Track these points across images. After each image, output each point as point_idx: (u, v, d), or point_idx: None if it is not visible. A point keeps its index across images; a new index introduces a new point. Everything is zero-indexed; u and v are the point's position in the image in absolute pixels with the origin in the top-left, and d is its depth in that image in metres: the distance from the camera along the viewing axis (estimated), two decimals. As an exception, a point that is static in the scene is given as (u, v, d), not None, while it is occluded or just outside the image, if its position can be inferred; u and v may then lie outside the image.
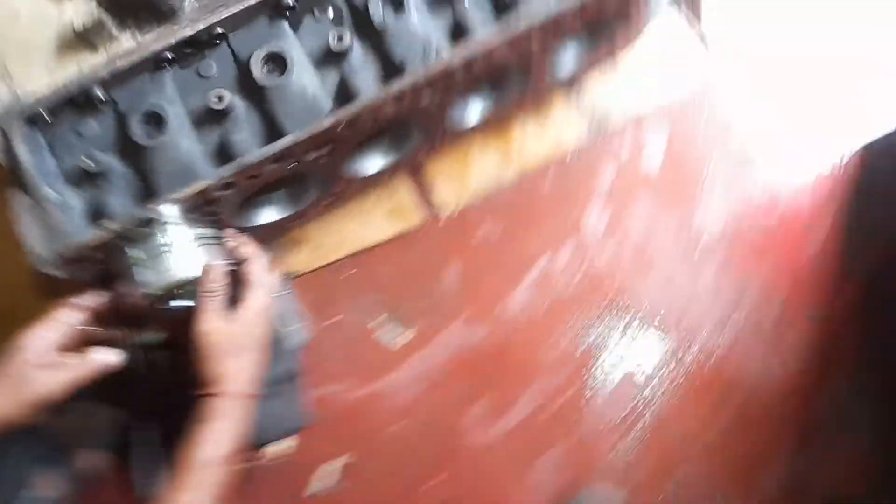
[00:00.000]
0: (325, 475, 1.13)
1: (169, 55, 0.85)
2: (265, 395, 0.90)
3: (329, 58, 0.87)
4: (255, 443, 1.02)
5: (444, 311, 1.19)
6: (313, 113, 0.84)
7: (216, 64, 0.87)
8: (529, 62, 0.92)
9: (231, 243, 0.90)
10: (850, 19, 1.29)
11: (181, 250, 0.85)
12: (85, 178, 0.84)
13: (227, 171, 0.81)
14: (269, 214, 0.99)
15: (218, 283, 0.85)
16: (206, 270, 0.86)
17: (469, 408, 1.16)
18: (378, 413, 1.16)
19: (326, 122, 0.82)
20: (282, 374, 1.05)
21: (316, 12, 0.88)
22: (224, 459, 0.81)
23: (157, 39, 0.85)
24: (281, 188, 0.97)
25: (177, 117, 0.84)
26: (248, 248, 0.89)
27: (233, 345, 0.83)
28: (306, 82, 0.85)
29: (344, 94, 0.86)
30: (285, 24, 0.87)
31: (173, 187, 0.82)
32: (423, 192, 1.24)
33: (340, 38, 0.85)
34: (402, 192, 1.23)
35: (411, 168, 1.18)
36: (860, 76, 1.28)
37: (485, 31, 0.84)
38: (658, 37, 1.10)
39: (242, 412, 0.84)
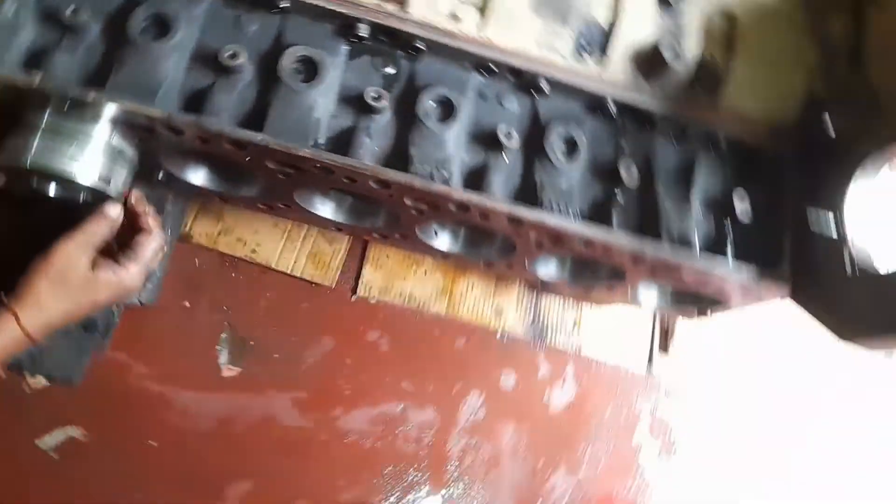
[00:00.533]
0: (55, 437, 1.00)
1: (223, -14, 0.79)
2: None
3: (356, 104, 0.81)
4: (14, 362, 0.90)
5: (284, 375, 1.10)
6: (301, 134, 0.77)
7: (258, 27, 0.81)
8: (517, 246, 0.87)
9: (140, 207, 0.82)
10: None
11: (93, 151, 0.76)
12: (53, 22, 0.75)
13: (183, 119, 0.73)
14: (199, 178, 0.90)
15: (117, 222, 0.80)
16: (123, 203, 0.80)
17: (237, 481, 1.04)
18: (153, 418, 1.04)
19: (303, 152, 0.75)
20: (92, 321, 0.94)
21: (378, 61, 0.83)
22: None
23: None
24: (228, 167, 0.88)
25: (183, 40, 0.77)
26: (153, 223, 0.83)
27: (72, 288, 0.77)
28: (319, 105, 0.79)
29: (342, 142, 0.80)
30: (343, 47, 0.82)
31: (127, 95, 0.73)
32: (355, 261, 1.17)
33: (378, 98, 0.79)
34: (336, 247, 1.16)
35: (358, 233, 1.11)
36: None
37: (497, 196, 0.79)
38: (634, 308, 1.07)
39: (15, 348, 0.75)
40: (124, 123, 0.76)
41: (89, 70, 0.75)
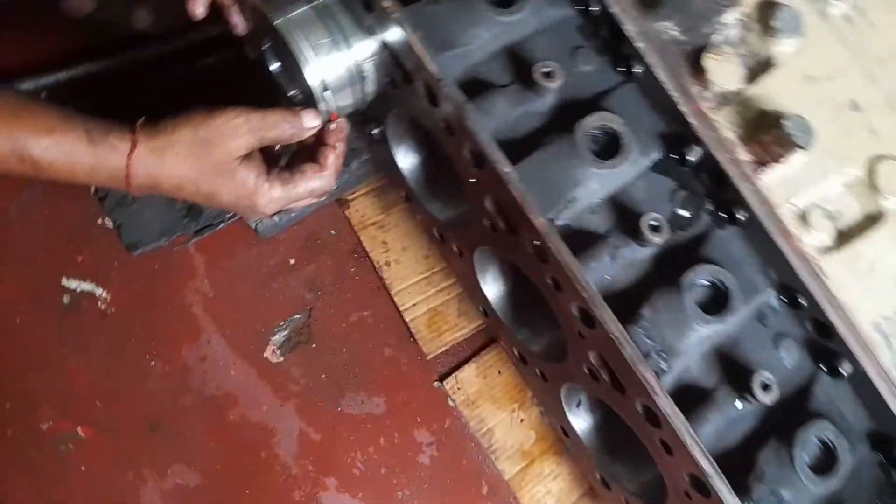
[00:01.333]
0: (81, 285, 0.87)
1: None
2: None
3: (625, 217, 0.62)
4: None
5: (314, 402, 0.91)
6: (547, 200, 0.60)
7: (590, 70, 0.65)
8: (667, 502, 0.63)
9: (337, 140, 0.66)
10: None
11: (340, 57, 0.62)
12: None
13: (452, 93, 0.58)
14: (407, 162, 0.75)
15: (303, 135, 0.64)
16: (329, 125, 0.65)
17: (187, 468, 0.85)
18: (172, 339, 0.88)
19: (536, 220, 0.57)
20: (199, 210, 0.80)
21: (680, 195, 0.64)
22: (42, 172, 0.58)
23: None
24: (442, 172, 0.73)
25: (513, 25, 0.63)
26: (334, 164, 0.67)
27: (206, 162, 0.61)
28: (586, 187, 0.61)
29: (580, 241, 0.61)
30: (655, 153, 0.64)
31: (420, 31, 0.59)
32: (466, 351, 0.97)
33: (656, 230, 0.60)
34: (462, 323, 0.96)
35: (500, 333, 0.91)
36: None
37: (701, 439, 0.56)
38: None
39: (107, 180, 0.61)
40: (391, 55, 0.62)
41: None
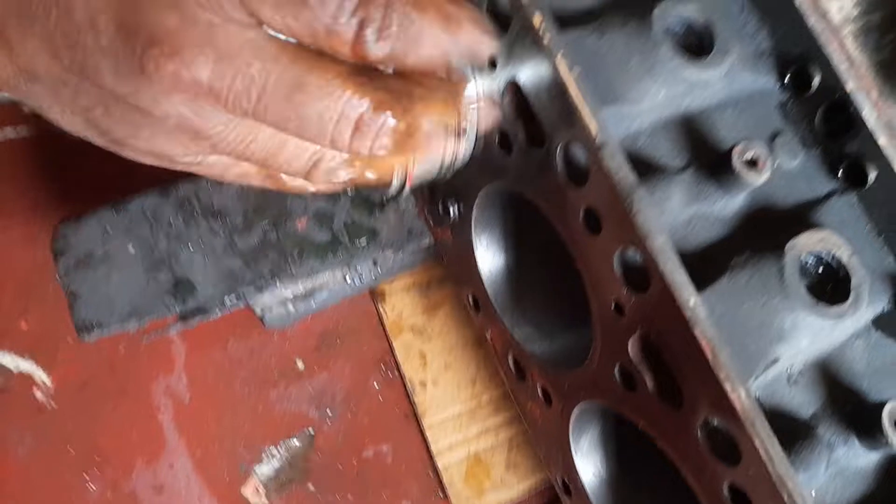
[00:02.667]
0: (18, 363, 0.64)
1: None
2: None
3: (842, 405, 0.40)
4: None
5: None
6: (746, 357, 0.37)
7: (798, 165, 0.45)
8: None
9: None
10: None
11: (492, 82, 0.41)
12: None
13: (603, 181, 0.37)
14: (490, 260, 0.54)
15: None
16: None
17: None
18: (120, 452, 0.64)
19: (731, 389, 0.35)
20: (191, 287, 0.58)
21: None
22: None
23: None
24: (552, 287, 0.51)
25: (706, 85, 0.43)
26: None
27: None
28: (796, 342, 0.39)
29: (786, 433, 0.38)
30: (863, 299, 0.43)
31: (585, 76, 0.38)
32: None
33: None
34: (516, 481, 0.72)
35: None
36: None
37: None
38: None
39: None
40: (516, 102, 0.41)
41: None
